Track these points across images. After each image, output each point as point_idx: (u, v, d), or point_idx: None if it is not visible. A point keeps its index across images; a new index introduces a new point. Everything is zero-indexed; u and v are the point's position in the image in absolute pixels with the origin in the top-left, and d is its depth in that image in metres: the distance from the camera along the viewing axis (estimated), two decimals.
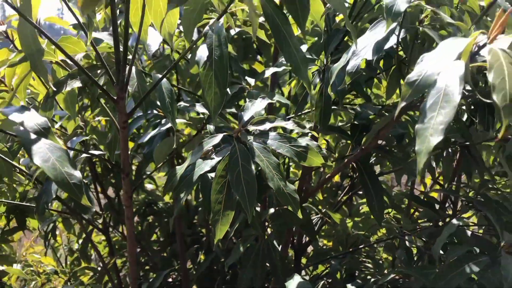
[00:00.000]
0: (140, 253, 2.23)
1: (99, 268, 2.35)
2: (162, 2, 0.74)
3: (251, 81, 1.25)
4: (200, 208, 2.24)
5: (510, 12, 0.68)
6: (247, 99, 1.11)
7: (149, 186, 2.58)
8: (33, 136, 0.69)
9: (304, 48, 1.28)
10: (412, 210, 1.98)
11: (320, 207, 2.23)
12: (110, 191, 2.11)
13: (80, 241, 2.46)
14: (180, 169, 0.94)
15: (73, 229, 2.25)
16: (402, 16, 0.82)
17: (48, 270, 2.60)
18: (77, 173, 0.68)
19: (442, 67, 0.68)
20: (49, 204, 1.07)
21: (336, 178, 2.02)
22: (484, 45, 0.71)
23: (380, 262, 2.17)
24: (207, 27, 0.79)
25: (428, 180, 2.18)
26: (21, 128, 0.70)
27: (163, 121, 1.20)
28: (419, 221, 1.95)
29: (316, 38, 1.31)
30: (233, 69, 1.28)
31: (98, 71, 1.02)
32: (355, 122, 1.24)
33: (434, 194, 1.74)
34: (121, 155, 0.93)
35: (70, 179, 0.67)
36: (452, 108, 0.65)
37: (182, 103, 1.09)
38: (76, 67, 0.93)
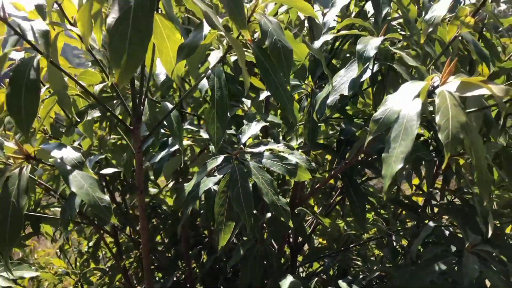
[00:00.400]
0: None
1: (107, 269, 2.51)
2: (172, 53, 0.89)
3: (248, 102, 1.41)
4: (202, 211, 2.39)
5: (456, 62, 0.83)
6: (244, 121, 1.26)
7: (152, 190, 2.73)
8: (68, 167, 0.85)
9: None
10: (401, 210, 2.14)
11: (315, 207, 2.39)
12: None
13: (90, 243, 2.61)
14: (188, 186, 1.10)
15: (83, 233, 2.40)
16: (374, 57, 0.97)
17: (60, 271, 2.76)
18: (106, 197, 0.84)
19: (403, 105, 0.84)
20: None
21: (331, 181, 2.18)
22: (438, 86, 0.86)
23: (372, 259, 2.34)
24: (209, 71, 0.94)
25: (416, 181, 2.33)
26: (59, 161, 0.85)
27: (170, 140, 1.35)
28: (407, 220, 2.12)
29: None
30: (231, 91, 1.44)
31: (114, 101, 1.17)
32: (341, 138, 1.39)
33: (419, 199, 1.90)
34: (136, 175, 1.09)
35: (101, 202, 0.83)
36: (410, 140, 0.81)
37: (187, 126, 1.25)
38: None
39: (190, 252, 2.21)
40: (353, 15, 1.41)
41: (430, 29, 1.01)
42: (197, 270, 2.32)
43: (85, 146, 1.44)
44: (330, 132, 1.73)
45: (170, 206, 2.71)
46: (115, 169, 1.27)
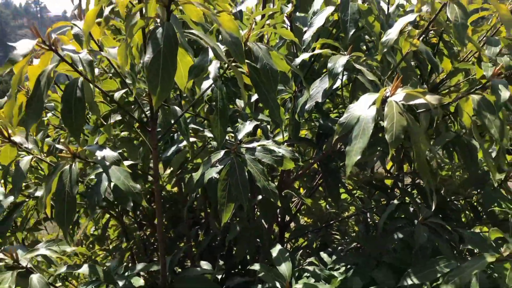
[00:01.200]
0: (148, 236, 2.65)
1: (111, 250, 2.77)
2: (184, 72, 1.15)
3: (241, 103, 1.67)
4: (198, 195, 2.66)
5: (402, 78, 1.11)
6: (239, 120, 1.53)
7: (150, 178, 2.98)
8: (107, 163, 1.11)
9: None
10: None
11: (301, 189, 2.68)
12: None
13: (96, 227, 2.86)
14: (196, 175, 1.36)
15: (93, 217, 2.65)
16: (341, 72, 1.24)
17: (69, 251, 3.02)
18: (138, 186, 1.10)
19: (361, 112, 1.11)
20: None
21: (315, 165, 2.46)
22: (388, 96, 1.14)
23: (352, 233, 2.64)
24: (213, 85, 1.20)
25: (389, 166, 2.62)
26: (100, 158, 1.11)
27: (175, 136, 1.61)
28: (381, 199, 2.41)
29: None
30: (228, 93, 1.69)
31: (132, 106, 1.42)
32: (319, 131, 1.66)
33: (388, 181, 2.19)
34: (153, 167, 1.35)
35: (134, 190, 1.09)
36: (366, 138, 1.08)
37: (192, 125, 1.51)
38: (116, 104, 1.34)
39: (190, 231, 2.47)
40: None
41: (385, 50, 1.28)
42: (194, 250, 2.59)
43: (101, 141, 1.70)
44: (312, 124, 2.00)
45: (168, 191, 2.96)
46: (132, 162, 1.52)
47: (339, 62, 1.23)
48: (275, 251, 1.43)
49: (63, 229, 1.10)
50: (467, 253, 1.62)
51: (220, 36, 1.31)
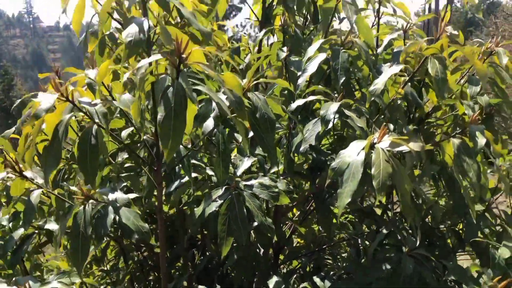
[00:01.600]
0: (146, 258, 2.73)
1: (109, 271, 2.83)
2: (189, 118, 1.25)
3: (239, 137, 1.77)
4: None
5: (387, 131, 1.22)
6: (237, 154, 1.64)
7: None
8: (118, 204, 1.21)
9: None
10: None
11: (295, 210, 2.78)
12: None
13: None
14: (198, 210, 1.46)
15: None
16: (333, 118, 1.35)
17: (78, 283, 3.09)
18: (146, 225, 1.20)
19: (351, 158, 1.22)
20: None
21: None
22: (376, 143, 1.25)
23: (344, 255, 2.74)
24: (215, 131, 1.30)
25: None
26: (111, 199, 1.21)
27: (177, 168, 1.71)
28: (372, 225, 2.52)
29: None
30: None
31: (138, 144, 1.52)
32: (312, 165, 1.77)
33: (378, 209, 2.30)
34: (157, 202, 1.44)
35: (142, 229, 1.19)
36: (356, 182, 1.19)
37: (194, 161, 1.61)
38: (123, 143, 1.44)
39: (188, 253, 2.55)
40: None
41: (372, 98, 1.40)
42: (191, 270, 2.67)
43: (105, 172, 1.79)
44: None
45: (166, 213, 3.04)
46: (136, 195, 1.62)
47: (330, 109, 1.34)
48: (271, 282, 1.52)
49: (77, 267, 1.19)
50: (452, 282, 1.72)
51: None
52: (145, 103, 1.21)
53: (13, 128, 1.98)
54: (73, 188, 1.26)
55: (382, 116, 1.52)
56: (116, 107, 1.44)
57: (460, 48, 1.44)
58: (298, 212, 2.77)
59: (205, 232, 2.41)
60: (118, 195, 1.26)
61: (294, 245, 2.77)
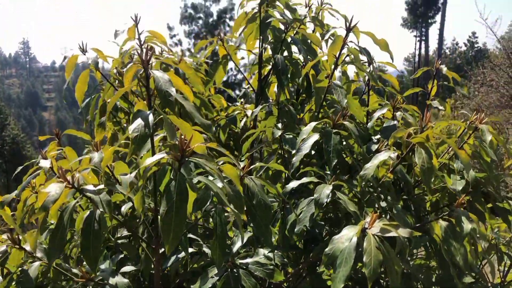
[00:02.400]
0: None
1: None
2: (189, 205, 1.31)
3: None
4: None
5: (377, 216, 1.28)
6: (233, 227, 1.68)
7: None
8: None
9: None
10: None
11: (290, 269, 2.80)
12: None
13: None
14: (195, 287, 1.49)
15: None
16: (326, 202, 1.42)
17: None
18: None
19: (344, 244, 1.27)
20: None
21: None
22: (367, 228, 1.30)
23: None
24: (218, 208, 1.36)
25: None
26: (112, 283, 1.25)
27: None
28: None
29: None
30: None
31: (137, 220, 1.57)
32: (307, 238, 1.82)
33: None
34: (155, 278, 1.48)
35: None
36: (349, 267, 1.24)
37: (191, 236, 1.65)
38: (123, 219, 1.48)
39: None
40: None
41: (363, 183, 1.47)
42: None
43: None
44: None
45: None
46: (133, 268, 1.65)
47: (324, 192, 1.41)
48: None
49: None
50: None
51: None
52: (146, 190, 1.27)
53: (13, 194, 2.02)
54: (75, 270, 1.29)
55: (375, 194, 1.59)
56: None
57: (445, 138, 1.53)
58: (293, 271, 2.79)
59: None
60: (118, 279, 1.29)
61: None
